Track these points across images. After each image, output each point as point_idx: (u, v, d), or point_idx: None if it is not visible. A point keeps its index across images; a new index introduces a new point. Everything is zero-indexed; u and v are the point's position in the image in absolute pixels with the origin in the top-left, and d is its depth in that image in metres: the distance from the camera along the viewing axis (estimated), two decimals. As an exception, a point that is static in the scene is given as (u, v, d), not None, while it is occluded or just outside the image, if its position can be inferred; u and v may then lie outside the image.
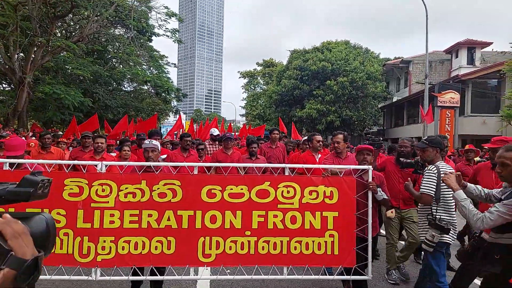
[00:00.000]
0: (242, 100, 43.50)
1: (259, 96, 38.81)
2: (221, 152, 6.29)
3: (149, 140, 3.98)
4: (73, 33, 22.44)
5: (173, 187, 3.42)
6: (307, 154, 5.93)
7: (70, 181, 3.27)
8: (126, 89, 29.03)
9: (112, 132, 13.57)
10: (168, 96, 26.19)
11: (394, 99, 30.85)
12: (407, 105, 28.60)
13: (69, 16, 21.16)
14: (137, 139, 7.77)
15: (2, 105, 19.90)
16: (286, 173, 3.79)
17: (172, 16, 23.21)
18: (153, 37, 27.43)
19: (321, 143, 5.97)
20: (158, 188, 3.40)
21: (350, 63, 28.68)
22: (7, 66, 18.74)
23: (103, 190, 3.36)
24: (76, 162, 3.91)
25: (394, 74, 32.41)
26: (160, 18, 23.35)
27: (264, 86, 40.07)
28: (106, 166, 3.59)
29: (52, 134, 7.24)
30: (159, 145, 4.06)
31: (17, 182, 0.91)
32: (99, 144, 5.40)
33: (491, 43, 25.30)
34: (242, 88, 43.49)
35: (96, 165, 3.80)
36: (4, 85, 22.69)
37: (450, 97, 22.78)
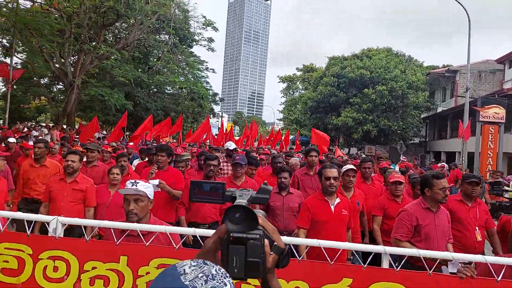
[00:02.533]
0: (280, 104, 44.46)
1: (297, 101, 39.51)
2: (229, 181, 4.70)
3: (134, 181, 2.45)
4: (120, 39, 24.60)
5: None
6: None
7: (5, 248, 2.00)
8: (168, 92, 31.09)
9: (135, 133, 14.83)
10: (202, 101, 27.72)
11: (439, 110, 30.06)
12: (452, 117, 27.87)
13: (117, 23, 23.29)
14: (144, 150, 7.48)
15: (54, 105, 22.40)
16: (385, 264, 2.12)
17: (209, 26, 24.64)
18: (194, 43, 29.26)
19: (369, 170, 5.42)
20: (147, 273, 1.95)
21: (390, 71, 28.54)
22: (61, 70, 21.23)
23: (55, 269, 1.98)
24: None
25: (440, 83, 31.58)
26: (198, 26, 24.85)
27: (302, 91, 40.73)
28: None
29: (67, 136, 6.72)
30: (150, 191, 2.54)
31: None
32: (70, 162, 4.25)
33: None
34: (281, 93, 44.49)
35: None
36: (58, 87, 25.29)
37: (494, 112, 21.94)
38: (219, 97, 33.43)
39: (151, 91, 28.58)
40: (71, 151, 4.37)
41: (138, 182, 2.35)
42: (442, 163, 15.89)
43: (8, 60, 19.90)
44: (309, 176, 5.27)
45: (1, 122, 16.66)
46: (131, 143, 12.26)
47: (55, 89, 25.24)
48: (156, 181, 4.26)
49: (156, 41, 26.44)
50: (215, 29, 26.72)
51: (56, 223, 1.97)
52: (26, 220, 2.19)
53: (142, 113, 26.89)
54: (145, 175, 4.54)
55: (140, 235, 1.94)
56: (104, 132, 24.40)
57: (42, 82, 23.89)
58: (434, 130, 31.78)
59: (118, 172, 4.48)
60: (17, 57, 20.18)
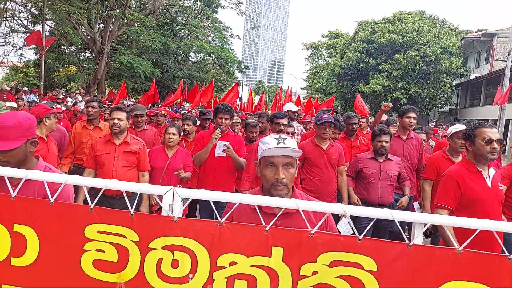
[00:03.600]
0: (305, 72, 42.96)
1: (322, 69, 37.98)
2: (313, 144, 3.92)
3: (278, 136, 1.65)
4: (146, 5, 23.71)
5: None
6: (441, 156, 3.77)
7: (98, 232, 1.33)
8: (193, 60, 30.33)
9: (168, 99, 14.30)
10: (230, 68, 26.90)
11: (472, 77, 28.41)
12: (486, 84, 26.30)
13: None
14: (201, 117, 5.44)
15: (85, 73, 22.00)
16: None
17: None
18: (219, 9, 28.05)
19: None
20: (313, 273, 1.24)
21: (423, 35, 26.81)
22: (89, 37, 20.64)
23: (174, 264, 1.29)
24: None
25: (474, 48, 29.61)
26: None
27: (328, 59, 39.04)
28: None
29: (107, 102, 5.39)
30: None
31: None
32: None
33: None
34: (305, 60, 42.80)
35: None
36: (87, 55, 24.84)
37: (537, 77, 20.55)
38: (244, 65, 32.35)
39: (177, 59, 27.83)
40: (116, 107, 3.60)
41: (285, 138, 1.55)
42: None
43: (37, 28, 19.52)
44: (401, 140, 4.30)
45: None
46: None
47: (83, 57, 24.79)
48: (225, 143, 3.66)
49: (182, 7, 25.41)
50: (243, -9, 25.42)
51: (174, 197, 1.25)
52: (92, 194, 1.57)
53: (169, 81, 26.44)
54: (202, 141, 3.86)
55: (303, 217, 1.17)
56: (133, 99, 24.12)
57: (71, 50, 23.44)
58: (466, 97, 30.16)
59: (175, 132, 3.84)
60: (47, 24, 19.62)
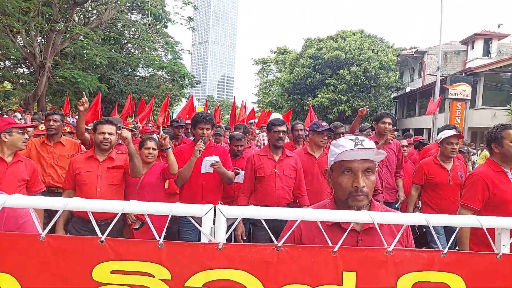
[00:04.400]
0: (255, 87, 43.38)
1: (272, 83, 38.54)
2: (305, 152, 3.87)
3: (355, 137, 1.45)
4: (91, 19, 22.59)
5: None
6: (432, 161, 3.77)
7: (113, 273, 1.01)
8: (141, 75, 29.29)
9: (142, 116, 13.56)
10: (184, 82, 26.41)
11: (408, 90, 30.43)
12: (420, 96, 28.27)
13: (87, 2, 21.27)
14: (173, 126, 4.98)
15: (22, 89, 20.26)
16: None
17: (188, 4, 23.21)
18: (168, 24, 27.46)
19: None
20: None
21: (364, 52, 28.25)
22: (28, 51, 19.07)
23: None
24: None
25: (408, 64, 31.87)
26: (176, 5, 23.44)
27: (277, 74, 39.74)
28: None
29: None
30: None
31: None
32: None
33: (508, 35, 24.69)
34: (255, 75, 43.20)
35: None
36: (24, 69, 22.99)
37: (462, 89, 22.57)
38: (195, 80, 31.89)
39: (124, 74, 26.71)
40: (105, 119, 3.14)
41: (363, 140, 1.31)
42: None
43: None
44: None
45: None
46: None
47: (21, 72, 22.92)
48: (215, 158, 3.27)
49: (130, 21, 24.61)
50: (195, 8, 25.20)
51: (217, 216, 0.98)
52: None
53: (117, 97, 25.18)
54: (182, 157, 3.48)
55: (379, 232, 1.05)
56: (77, 117, 22.46)
57: (7, 65, 21.56)
58: (403, 108, 32.16)
59: (155, 146, 3.44)
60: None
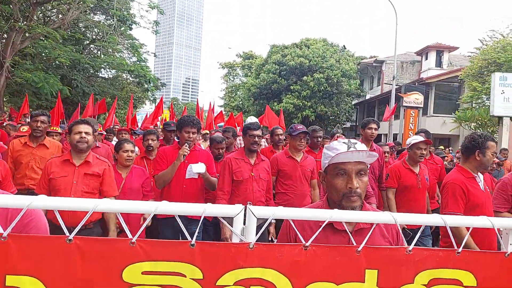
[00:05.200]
0: (221, 90, 43.20)
1: (238, 88, 38.62)
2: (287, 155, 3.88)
3: (350, 143, 1.52)
4: (51, 18, 21.59)
5: None
6: (402, 165, 3.97)
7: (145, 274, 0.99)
8: (104, 76, 28.33)
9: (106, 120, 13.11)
10: (149, 85, 25.86)
11: (368, 97, 31.62)
12: (378, 103, 29.47)
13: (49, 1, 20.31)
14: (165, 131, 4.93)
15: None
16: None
17: (154, 8, 22.85)
18: (133, 25, 26.80)
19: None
20: None
21: (326, 60, 29.05)
22: (-17, 50, 17.89)
23: None
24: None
25: (368, 72, 33.14)
26: (142, 8, 23.00)
27: (243, 78, 39.89)
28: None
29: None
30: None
31: None
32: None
33: (458, 47, 26.37)
34: (221, 79, 43.11)
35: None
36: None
37: (415, 98, 23.78)
38: (161, 82, 31.29)
39: (87, 75, 25.70)
40: (81, 120, 2.99)
41: (355, 142, 1.37)
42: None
43: None
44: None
45: None
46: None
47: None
48: (202, 167, 3.21)
49: (93, 21, 23.77)
50: (161, 12, 24.80)
51: (248, 216, 0.99)
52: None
53: (79, 98, 24.15)
54: (165, 158, 3.40)
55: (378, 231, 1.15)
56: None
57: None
58: (363, 115, 33.31)
59: (133, 148, 3.33)
60: None
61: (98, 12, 25.08)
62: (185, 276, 0.96)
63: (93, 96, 15.13)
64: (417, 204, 3.77)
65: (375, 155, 1.37)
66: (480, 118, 17.30)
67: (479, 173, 2.68)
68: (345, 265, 1.01)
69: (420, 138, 3.73)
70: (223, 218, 1.01)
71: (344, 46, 33.49)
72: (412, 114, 23.37)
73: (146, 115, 13.91)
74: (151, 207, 0.96)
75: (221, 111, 18.55)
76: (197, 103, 20.78)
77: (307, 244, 1.00)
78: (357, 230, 1.27)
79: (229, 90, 40.51)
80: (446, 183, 2.69)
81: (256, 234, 1.01)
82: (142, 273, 0.95)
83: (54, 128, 4.54)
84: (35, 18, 21.20)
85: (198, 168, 3.19)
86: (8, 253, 0.91)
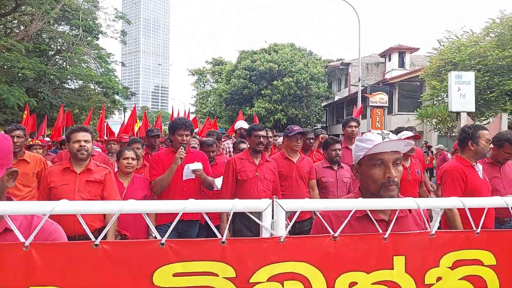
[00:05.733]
0: (192, 97, 42.74)
1: (209, 94, 38.41)
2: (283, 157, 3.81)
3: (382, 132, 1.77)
4: (13, 30, 20.69)
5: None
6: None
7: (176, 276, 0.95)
8: (70, 87, 27.43)
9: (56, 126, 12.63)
10: (116, 97, 25.31)
11: (336, 98, 32.30)
12: (347, 104, 30.16)
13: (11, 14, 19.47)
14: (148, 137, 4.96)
15: None
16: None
17: (121, 18, 22.46)
18: (100, 35, 26.14)
19: None
20: (438, 280, 1.09)
21: (295, 64, 29.47)
22: None
23: None
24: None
25: (336, 75, 33.88)
26: (109, 18, 22.47)
27: (214, 84, 39.72)
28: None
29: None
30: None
31: None
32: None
33: (418, 48, 27.48)
34: (192, 86, 42.67)
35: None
36: None
37: (380, 98, 24.58)
38: (130, 92, 30.65)
39: (53, 86, 24.77)
40: (79, 127, 2.89)
41: (388, 133, 1.36)
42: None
43: None
44: (349, 150, 4.18)
45: None
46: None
47: None
48: (198, 165, 3.16)
49: (57, 32, 22.99)
50: (128, 22, 24.33)
51: (276, 210, 0.97)
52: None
53: (46, 110, 23.25)
54: (160, 164, 3.31)
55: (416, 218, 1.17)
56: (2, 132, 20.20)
57: None
58: (333, 116, 34.01)
59: (134, 156, 3.27)
60: None
61: (62, 23, 24.29)
62: (218, 276, 0.92)
63: (62, 107, 14.61)
64: (407, 195, 3.81)
65: (412, 143, 1.39)
66: (440, 115, 18.12)
67: (477, 163, 2.83)
68: (374, 253, 1.01)
69: (409, 133, 3.83)
70: (251, 213, 0.98)
71: (310, 51, 34.08)
72: (378, 113, 24.15)
73: (123, 124, 13.54)
74: (179, 206, 0.92)
75: (195, 117, 18.38)
76: (172, 110, 20.46)
77: (336, 234, 0.99)
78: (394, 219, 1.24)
79: (200, 96, 40.20)
80: (445, 170, 2.81)
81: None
82: (174, 275, 0.90)
83: (36, 142, 4.30)
84: (-1, 30, 20.27)
85: (195, 165, 3.16)
86: (31, 263, 0.85)
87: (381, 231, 1.04)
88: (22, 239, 0.85)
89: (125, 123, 16.16)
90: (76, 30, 22.54)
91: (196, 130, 15.90)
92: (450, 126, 17.94)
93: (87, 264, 0.88)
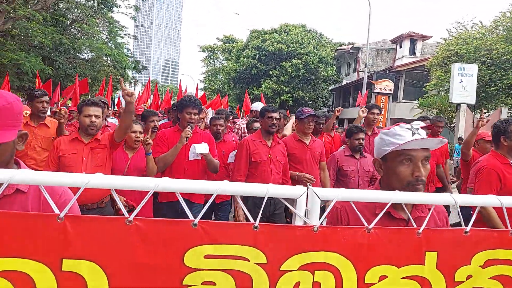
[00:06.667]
0: (201, 74, 42.37)
1: (218, 71, 37.99)
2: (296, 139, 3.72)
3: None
4: (34, 0, 20.41)
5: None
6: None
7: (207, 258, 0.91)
8: (84, 57, 27.23)
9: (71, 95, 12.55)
10: (124, 71, 25.21)
11: (344, 82, 31.81)
12: (354, 89, 29.70)
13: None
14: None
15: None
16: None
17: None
18: (114, 8, 25.71)
19: None
20: (467, 277, 1.05)
21: (304, 46, 28.90)
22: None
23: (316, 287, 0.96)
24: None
25: (345, 59, 33.20)
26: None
27: (223, 62, 39.21)
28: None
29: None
30: None
31: None
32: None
33: (431, 36, 26.75)
34: (202, 62, 42.16)
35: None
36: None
37: (386, 85, 24.28)
38: (142, 65, 30.36)
39: (68, 56, 24.62)
40: (90, 101, 2.81)
41: (417, 128, 1.27)
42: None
43: None
44: (367, 136, 4.10)
45: None
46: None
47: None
48: (205, 146, 3.05)
49: (74, 2, 22.64)
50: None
51: (311, 198, 0.92)
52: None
53: (61, 79, 23.22)
54: (165, 141, 3.23)
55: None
56: (21, 98, 20.28)
57: None
58: (339, 100, 33.56)
59: (141, 130, 3.19)
60: None
61: (78, -7, 23.89)
62: (249, 260, 0.88)
63: (77, 76, 14.54)
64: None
65: (445, 141, 1.29)
66: (440, 105, 17.90)
67: None
68: (406, 247, 0.96)
69: (421, 123, 3.67)
70: (284, 199, 0.93)
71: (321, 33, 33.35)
72: (382, 100, 23.87)
73: (139, 96, 13.46)
74: (214, 187, 0.87)
75: (204, 94, 18.17)
76: (180, 85, 20.27)
77: (370, 227, 0.94)
78: (414, 219, 1.17)
79: (210, 73, 39.78)
80: (482, 167, 2.65)
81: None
82: (205, 257, 0.87)
83: (62, 108, 4.26)
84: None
85: (201, 148, 3.03)
86: (64, 235, 0.81)
87: (415, 225, 0.99)
88: (56, 211, 0.81)
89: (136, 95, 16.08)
90: (92, 1, 22.15)
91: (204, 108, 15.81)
92: (450, 117, 17.70)
93: (120, 240, 0.84)
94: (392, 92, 23.92)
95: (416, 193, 1.09)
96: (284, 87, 28.81)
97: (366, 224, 0.95)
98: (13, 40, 19.47)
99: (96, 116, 2.76)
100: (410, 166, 1.24)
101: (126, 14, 24.35)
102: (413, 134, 1.25)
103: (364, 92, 21.06)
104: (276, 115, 3.39)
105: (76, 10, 24.00)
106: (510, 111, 16.41)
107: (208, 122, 4.27)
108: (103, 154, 2.80)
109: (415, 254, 0.96)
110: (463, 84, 13.94)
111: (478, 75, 14.26)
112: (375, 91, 23.59)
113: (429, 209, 1.17)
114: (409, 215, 1.06)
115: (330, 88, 32.47)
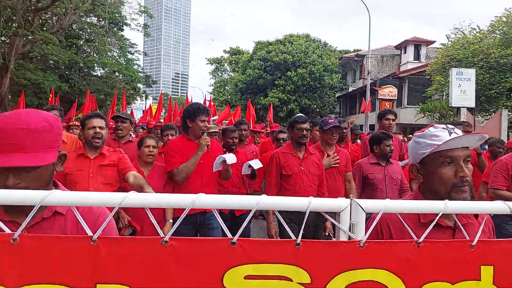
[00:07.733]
0: (210, 85, 42.62)
1: (226, 83, 38.19)
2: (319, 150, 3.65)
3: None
4: (49, 23, 21.00)
5: None
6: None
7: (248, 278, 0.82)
8: (97, 74, 27.72)
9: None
10: (137, 85, 25.70)
11: (350, 89, 31.67)
12: (360, 96, 29.53)
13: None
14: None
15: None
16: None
17: (144, 13, 22.73)
18: (124, 27, 26.27)
19: None
20: None
21: (309, 55, 28.95)
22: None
23: None
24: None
25: (351, 66, 33.11)
26: (133, 12, 22.74)
27: (231, 73, 39.42)
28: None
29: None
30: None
31: None
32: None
33: (434, 41, 26.54)
34: (210, 74, 42.48)
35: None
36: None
37: (389, 91, 24.13)
38: (152, 80, 30.72)
39: (81, 74, 25.14)
40: (94, 113, 2.77)
41: (453, 127, 1.16)
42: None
43: None
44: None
45: None
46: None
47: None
48: (232, 157, 2.99)
49: (87, 23, 23.27)
50: (150, 16, 24.40)
51: (355, 211, 0.84)
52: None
53: (76, 96, 23.69)
54: (178, 151, 3.11)
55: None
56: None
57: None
58: (346, 107, 33.41)
59: (155, 144, 3.07)
60: None
61: (91, 15, 24.51)
62: (292, 281, 0.80)
63: (89, 93, 14.71)
64: None
65: (485, 137, 1.18)
66: (441, 109, 17.76)
67: None
68: (459, 262, 0.86)
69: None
70: (327, 213, 0.85)
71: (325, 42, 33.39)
72: (387, 106, 23.65)
73: (150, 109, 13.50)
74: (253, 202, 0.79)
75: (214, 105, 18.18)
76: (186, 96, 20.32)
77: (420, 240, 0.85)
78: (461, 226, 1.02)
79: (218, 85, 40.00)
80: (496, 162, 2.81)
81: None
82: (245, 277, 0.78)
83: (75, 123, 4.26)
84: (35, 22, 20.54)
85: (231, 159, 2.94)
86: (98, 258, 0.74)
87: (465, 238, 0.90)
88: (89, 233, 0.74)
89: (147, 108, 16.24)
90: (103, 22, 22.69)
91: (214, 118, 15.81)
92: (451, 121, 17.55)
93: (155, 261, 0.77)
94: (395, 98, 23.73)
95: (469, 201, 1.00)
96: (291, 96, 28.83)
97: (415, 237, 0.86)
98: (31, 61, 19.98)
99: (100, 128, 2.64)
100: (452, 167, 1.14)
101: (138, 31, 24.74)
102: (450, 133, 1.15)
103: (368, 99, 20.95)
104: (306, 125, 3.22)
105: (88, 30, 24.60)
106: (510, 113, 16.25)
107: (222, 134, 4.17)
108: (112, 172, 2.66)
109: (469, 269, 0.86)
110: (462, 88, 13.88)
111: (477, 79, 14.19)
112: (378, 97, 23.44)
113: (476, 217, 1.07)
114: (457, 222, 0.96)
115: (336, 95, 32.37)
